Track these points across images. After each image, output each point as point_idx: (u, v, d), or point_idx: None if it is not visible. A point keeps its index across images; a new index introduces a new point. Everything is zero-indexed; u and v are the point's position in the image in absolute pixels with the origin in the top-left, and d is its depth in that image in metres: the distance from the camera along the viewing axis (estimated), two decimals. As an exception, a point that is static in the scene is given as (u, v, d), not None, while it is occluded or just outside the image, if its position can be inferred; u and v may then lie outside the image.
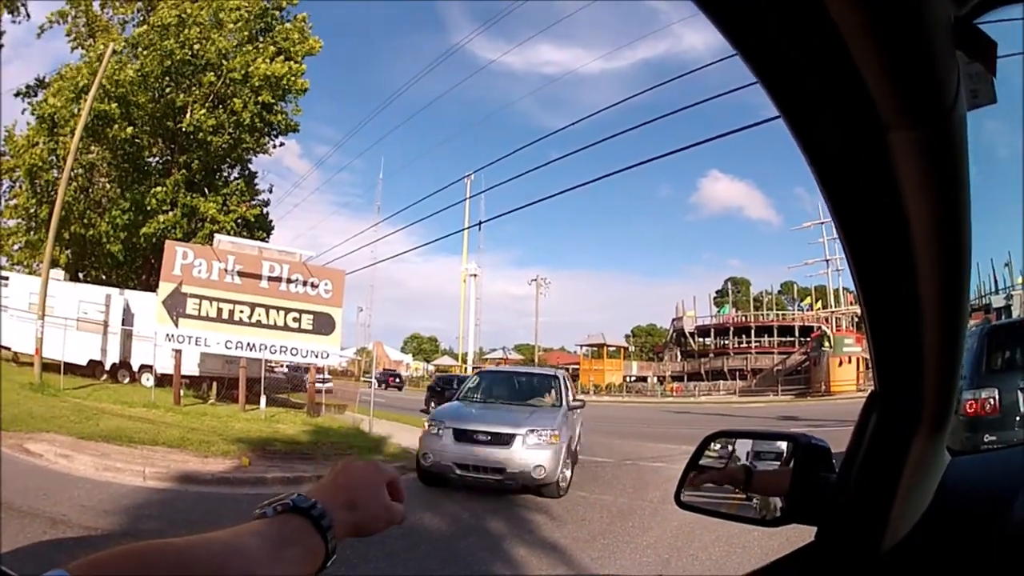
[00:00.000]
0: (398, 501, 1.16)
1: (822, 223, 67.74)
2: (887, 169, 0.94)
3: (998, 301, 27.21)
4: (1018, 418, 8.76)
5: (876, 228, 1.04)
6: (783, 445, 1.77)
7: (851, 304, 67.01)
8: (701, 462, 1.98)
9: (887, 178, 0.95)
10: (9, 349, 27.03)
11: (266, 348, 23.27)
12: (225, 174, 37.05)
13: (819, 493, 1.44)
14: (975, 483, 1.49)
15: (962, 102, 0.90)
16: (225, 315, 22.65)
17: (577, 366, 77.66)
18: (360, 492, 1.09)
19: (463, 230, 65.02)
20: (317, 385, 26.11)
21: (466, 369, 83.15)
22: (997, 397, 8.83)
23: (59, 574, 0.65)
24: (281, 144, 38.73)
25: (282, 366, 39.35)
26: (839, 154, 0.98)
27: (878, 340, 1.23)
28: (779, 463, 1.79)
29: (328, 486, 1.08)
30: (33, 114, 32.65)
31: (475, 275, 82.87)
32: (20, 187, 33.99)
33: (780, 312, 78.94)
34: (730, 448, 1.98)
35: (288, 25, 35.79)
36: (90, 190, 33.89)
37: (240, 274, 23.00)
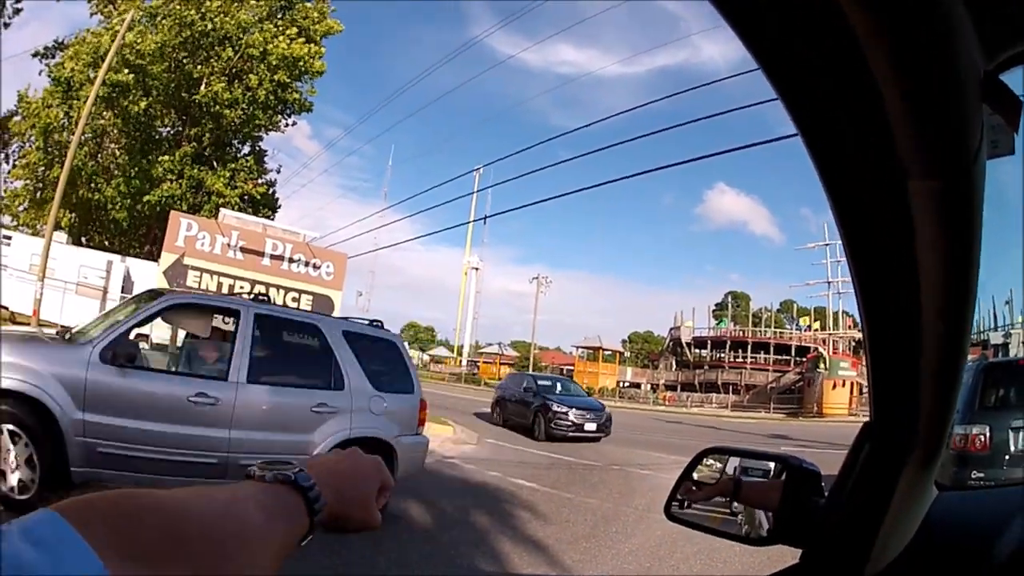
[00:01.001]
0: (380, 508, 1.14)
1: (826, 245, 67.66)
2: (905, 215, 0.95)
3: (996, 338, 27.20)
4: (1007, 457, 8.77)
5: (888, 268, 1.06)
6: (774, 466, 1.78)
7: (849, 328, 67.04)
8: (693, 476, 1.99)
9: (904, 223, 0.96)
10: (7, 308, 27.04)
11: (264, 325, 23.09)
12: (235, 149, 36.94)
13: (807, 516, 1.46)
14: (960, 519, 1.51)
15: (983, 154, 0.91)
16: (225, 290, 22.55)
17: (572, 367, 77.75)
18: (355, 488, 1.07)
19: (468, 223, 65.16)
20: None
21: (460, 362, 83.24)
22: (988, 434, 8.84)
23: (49, 515, 0.63)
24: (294, 123, 38.66)
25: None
26: (860, 195, 0.99)
27: (878, 372, 1.23)
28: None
29: (327, 469, 1.05)
30: (50, 76, 32.57)
31: (477, 268, 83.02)
32: (31, 147, 33.93)
33: (778, 330, 79.02)
34: (722, 464, 1.99)
35: (309, 4, 35.76)
36: (99, 155, 33.79)
37: (243, 250, 22.97)
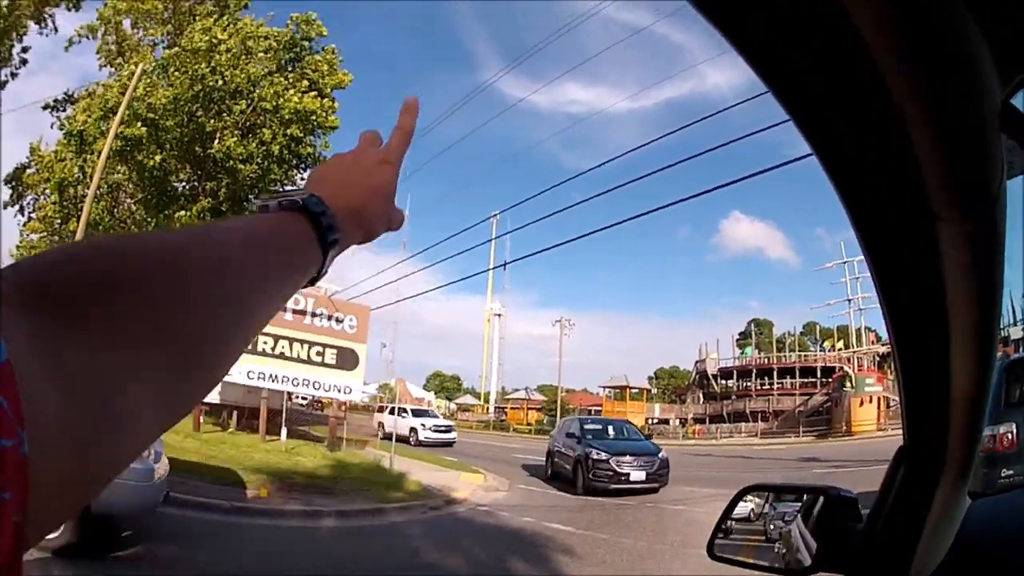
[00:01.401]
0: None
1: (844, 263, 67.36)
2: (935, 255, 0.95)
3: (1016, 333, 26.83)
4: None
5: (917, 304, 1.07)
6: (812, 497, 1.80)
7: (873, 343, 66.44)
8: (734, 515, 2.00)
9: (934, 263, 0.96)
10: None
11: (288, 380, 23.28)
12: (252, 204, 36.90)
13: (847, 542, 1.47)
14: (994, 525, 1.53)
15: (1005, 183, 0.91)
16: (249, 345, 22.72)
17: (600, 408, 77.27)
18: (372, 195, 0.95)
19: (488, 270, 65.30)
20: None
21: (488, 409, 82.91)
22: (1015, 431, 8.75)
23: None
24: (310, 176, 38.95)
25: (305, 398, 40.43)
26: (891, 239, 0.99)
27: (910, 399, 1.25)
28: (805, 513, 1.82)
29: (339, 179, 0.94)
30: (61, 130, 33.02)
31: (499, 315, 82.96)
32: (46, 200, 34.32)
33: (802, 353, 78.34)
34: (761, 501, 2.00)
35: (318, 57, 36.13)
36: (116, 210, 34.10)
37: (265, 305, 23.10)
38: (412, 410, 43.78)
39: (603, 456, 19.42)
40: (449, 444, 38.46)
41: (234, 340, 0.70)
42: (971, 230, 0.93)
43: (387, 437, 34.86)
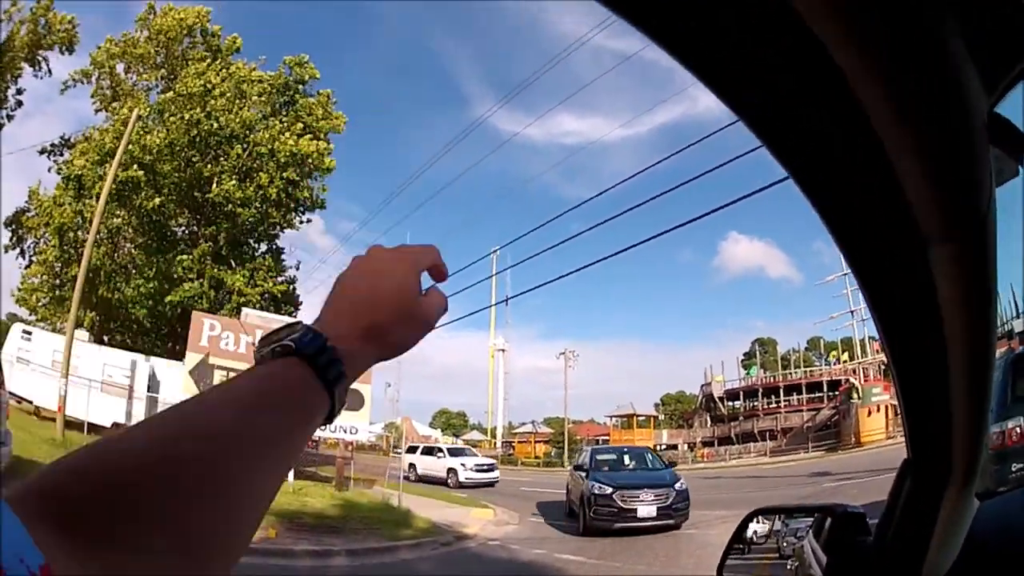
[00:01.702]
0: (439, 280, 0.97)
1: (845, 274, 66.94)
2: (928, 277, 0.95)
3: (1019, 326, 26.82)
4: None
5: (912, 323, 1.07)
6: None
7: (877, 352, 66.29)
8: (749, 535, 2.01)
9: (927, 283, 0.96)
10: (31, 402, 27.19)
11: (294, 422, 23.16)
12: (252, 248, 37.25)
13: (857, 556, 1.48)
14: (1003, 525, 1.54)
15: (994, 196, 0.89)
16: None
17: (607, 437, 77.00)
18: (385, 314, 0.86)
19: (491, 306, 65.31)
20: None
21: (495, 444, 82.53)
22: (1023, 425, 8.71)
23: None
24: (308, 220, 39.07)
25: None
26: (883, 265, 0.99)
27: (911, 413, 1.26)
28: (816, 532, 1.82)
29: (341, 309, 0.87)
30: (59, 173, 33.29)
31: (503, 350, 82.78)
32: (46, 244, 34.44)
33: (807, 369, 78.11)
34: (770, 524, 2.01)
35: (312, 100, 36.49)
36: (116, 254, 34.20)
37: (268, 348, 23.15)
38: (449, 449, 41.01)
39: (606, 491, 16.95)
40: (491, 484, 35.13)
41: (247, 517, 0.70)
42: (963, 247, 0.92)
43: (420, 480, 35.77)
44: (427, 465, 38.18)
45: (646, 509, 16.48)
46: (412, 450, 41.23)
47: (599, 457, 20.76)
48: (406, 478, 31.96)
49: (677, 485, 17.42)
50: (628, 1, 0.71)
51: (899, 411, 1.28)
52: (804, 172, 0.89)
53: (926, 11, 0.66)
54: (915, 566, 1.34)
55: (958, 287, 0.96)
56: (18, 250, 35.98)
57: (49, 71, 34.98)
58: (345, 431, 24.37)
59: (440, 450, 40.34)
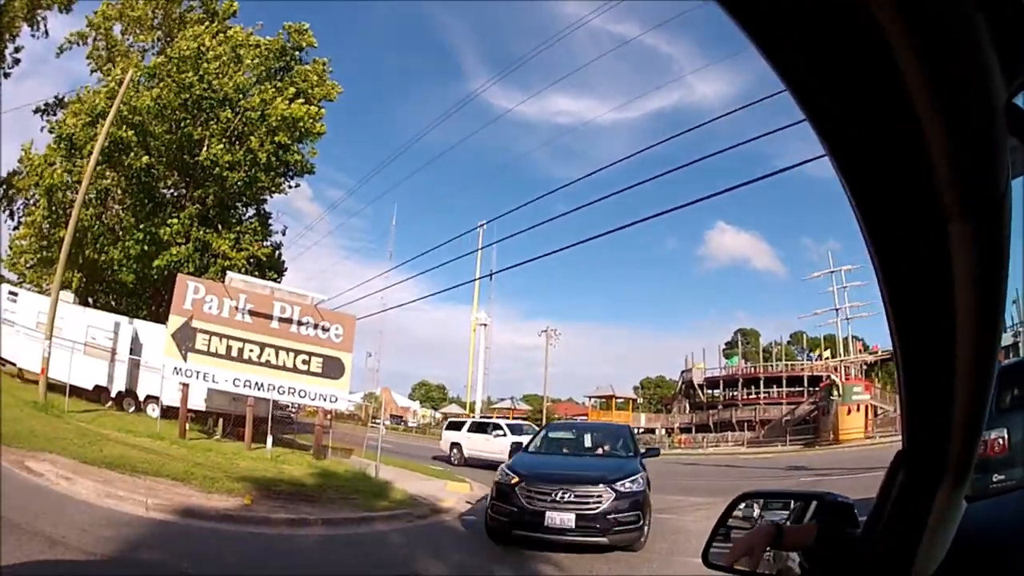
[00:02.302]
0: None
1: (831, 272, 67.79)
2: (944, 257, 0.95)
3: (1006, 339, 27.07)
4: None
5: (924, 306, 1.07)
6: (795, 504, 1.80)
7: (860, 352, 66.78)
8: (729, 522, 1.99)
9: (943, 264, 0.96)
10: (15, 365, 27.35)
11: (274, 388, 23.25)
12: (240, 212, 37.22)
13: (845, 547, 1.46)
14: (990, 527, 1.55)
15: (1010, 185, 0.90)
16: (234, 353, 22.70)
17: (585, 417, 77.46)
18: None
19: (474, 280, 65.29)
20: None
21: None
22: (1006, 436, 8.83)
23: None
24: (296, 185, 38.94)
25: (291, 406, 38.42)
26: (901, 240, 0.99)
27: (912, 403, 1.25)
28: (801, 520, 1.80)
29: None
30: (51, 133, 33.15)
31: (485, 325, 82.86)
32: (35, 205, 34.45)
33: (789, 362, 78.56)
34: (757, 508, 1.99)
35: (308, 67, 36.29)
36: (104, 216, 34.14)
37: (251, 313, 23.11)
38: (509, 425, 33.31)
39: (510, 480, 11.88)
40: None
41: None
42: (979, 230, 0.92)
43: (467, 463, 30.97)
44: (478, 446, 31.75)
45: (560, 516, 11.16)
46: (455, 426, 35.51)
47: (552, 435, 16.00)
48: (447, 461, 31.64)
49: (627, 484, 11.71)
50: None
51: (899, 397, 1.26)
52: (835, 137, 0.89)
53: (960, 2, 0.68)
54: (905, 562, 1.33)
55: (971, 266, 0.96)
56: (7, 212, 35.93)
57: (46, 32, 34.83)
58: (324, 399, 24.39)
59: (497, 426, 32.90)
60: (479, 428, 33.60)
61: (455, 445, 33.16)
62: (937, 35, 0.70)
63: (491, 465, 24.17)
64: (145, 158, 31.23)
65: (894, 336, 1.13)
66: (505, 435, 30.42)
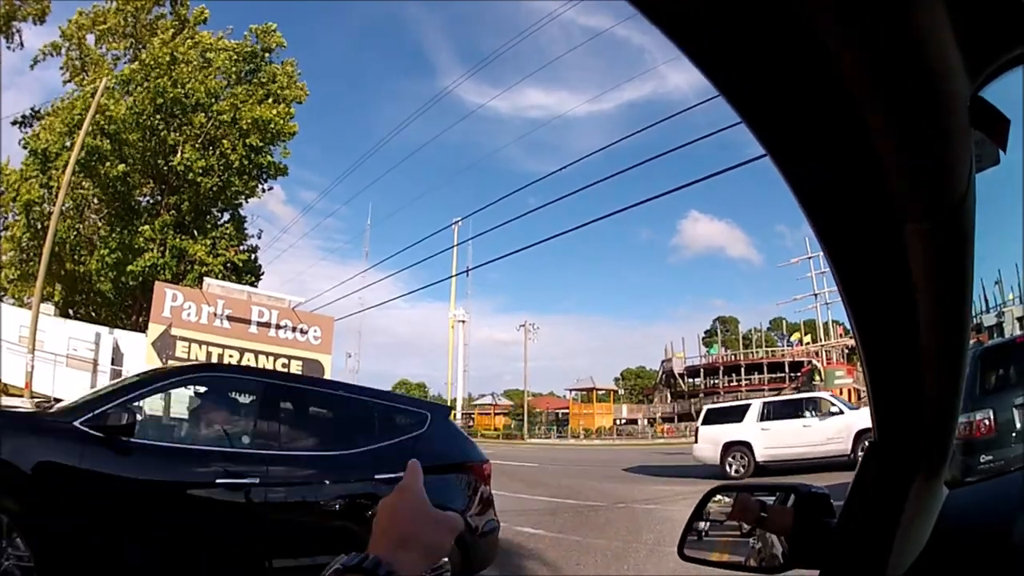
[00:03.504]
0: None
1: (809, 258, 68.06)
2: (902, 256, 0.94)
3: (989, 320, 27.12)
4: (1014, 435, 8.76)
5: (883, 306, 1.06)
6: (776, 495, 1.81)
7: (841, 336, 67.04)
8: (710, 514, 2.00)
9: (901, 264, 0.95)
10: None
11: (255, 393, 23.13)
12: (215, 217, 37.02)
13: (821, 538, 1.48)
14: (971, 515, 1.54)
15: (974, 178, 0.89)
16: (214, 359, 22.63)
17: (567, 411, 77.53)
18: (406, 524, 1.04)
19: (451, 277, 65.21)
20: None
21: (455, 415, 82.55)
22: (992, 417, 8.85)
23: None
24: (270, 188, 38.78)
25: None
26: (856, 242, 0.98)
27: (879, 394, 1.24)
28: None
29: (376, 535, 1.04)
30: (26, 148, 32.97)
31: (463, 321, 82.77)
32: (14, 220, 34.24)
33: (770, 349, 78.86)
34: (731, 500, 2.00)
35: (276, 67, 36.11)
36: (81, 226, 33.99)
37: (229, 318, 23.11)
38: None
39: None
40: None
41: None
42: (940, 229, 0.92)
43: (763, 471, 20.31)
44: (787, 440, 20.50)
45: None
46: (725, 416, 23.21)
47: None
48: (715, 476, 19.95)
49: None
50: None
51: (867, 392, 1.25)
52: (779, 140, 0.88)
53: None
54: (882, 552, 1.33)
55: (933, 269, 0.96)
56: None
57: (22, 43, 34.58)
58: (305, 402, 24.32)
59: (816, 405, 21.57)
60: (784, 411, 21.63)
61: (736, 448, 21.49)
62: (887, 27, 0.67)
63: (806, 468, 19.06)
64: (121, 166, 31.06)
65: (855, 331, 1.12)
66: (841, 413, 20.24)
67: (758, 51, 0.76)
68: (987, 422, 8.86)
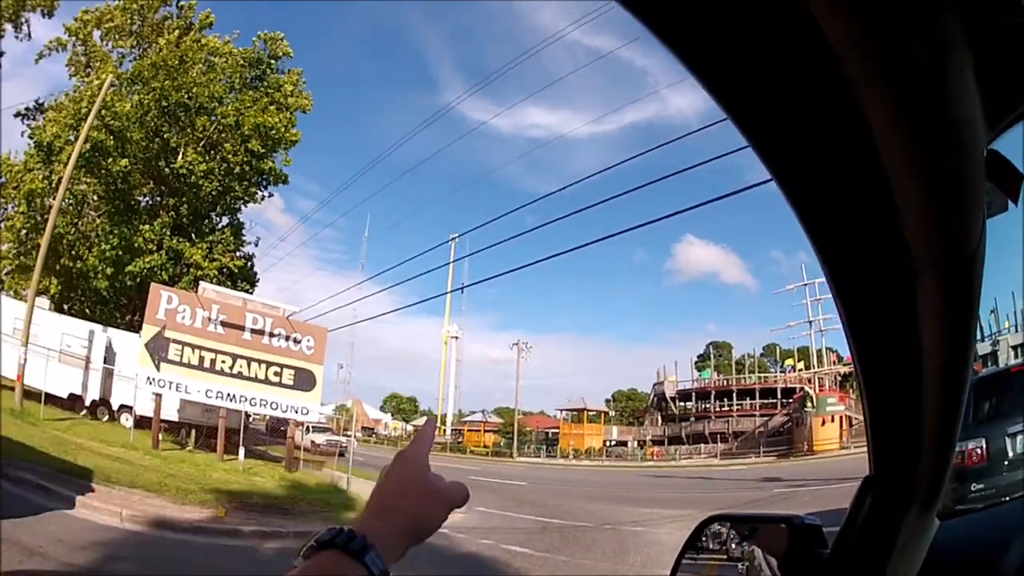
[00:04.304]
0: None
1: (804, 285, 67.72)
2: (912, 307, 0.94)
3: (984, 348, 27.10)
4: (1006, 463, 8.75)
5: (889, 349, 1.07)
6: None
7: (834, 363, 66.86)
8: (699, 544, 2.01)
9: (910, 314, 0.96)
10: None
11: (246, 400, 23.24)
12: (213, 221, 36.95)
13: (814, 569, 1.49)
14: (963, 545, 1.56)
15: (985, 229, 0.90)
16: (207, 363, 22.60)
17: (557, 430, 77.29)
18: (393, 495, 1.02)
19: (446, 293, 65.17)
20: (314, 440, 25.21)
21: (444, 432, 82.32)
22: (984, 446, 8.82)
23: None
24: (270, 195, 38.75)
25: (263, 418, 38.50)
26: (868, 292, 0.98)
27: (877, 432, 1.26)
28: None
29: (371, 505, 1.02)
30: (31, 139, 33.01)
31: (456, 337, 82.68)
32: (14, 210, 34.23)
33: (762, 375, 78.69)
34: (725, 532, 2.01)
35: (282, 77, 36.18)
36: (80, 223, 33.97)
37: (223, 324, 23.04)
38: None
39: None
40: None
41: None
42: (951, 280, 0.92)
43: None
44: None
45: None
46: None
47: None
48: None
49: None
50: None
51: (865, 425, 1.26)
52: (798, 186, 0.88)
53: (944, 39, 0.66)
54: None
55: (941, 315, 0.96)
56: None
57: (29, 35, 34.58)
58: (296, 411, 24.34)
59: None
60: None
61: None
62: (913, 80, 0.67)
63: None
64: (123, 161, 31.05)
65: (857, 367, 1.13)
66: None
67: (783, 88, 0.75)
68: (979, 451, 8.85)
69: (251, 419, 35.37)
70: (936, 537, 1.44)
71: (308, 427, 36.11)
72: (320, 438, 37.32)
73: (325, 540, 0.93)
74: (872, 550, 1.35)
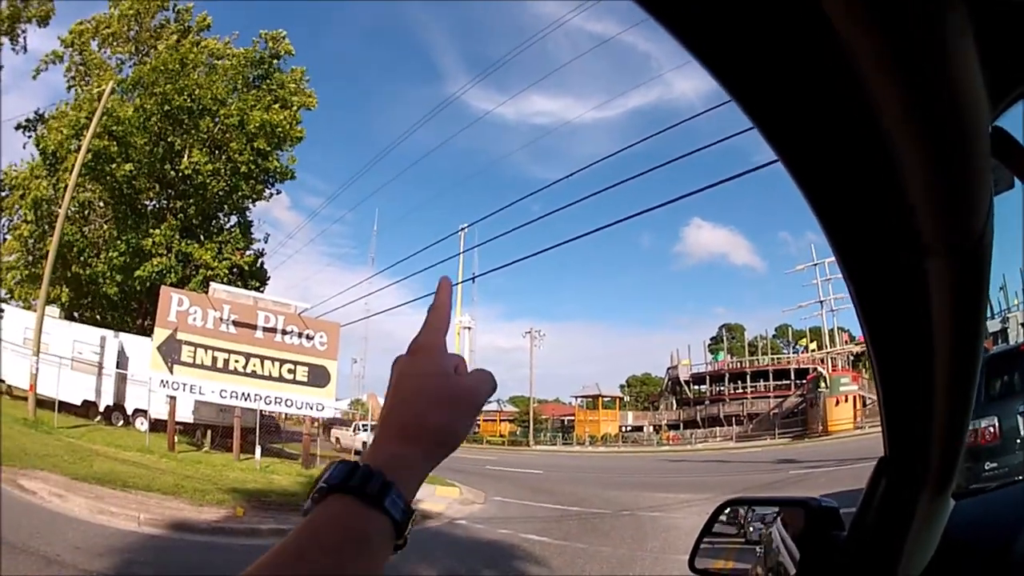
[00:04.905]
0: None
1: (815, 265, 67.60)
2: (923, 287, 0.93)
3: (994, 326, 26.98)
4: (1019, 441, 8.74)
5: (900, 330, 1.06)
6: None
7: (846, 343, 66.73)
8: (715, 528, 2.00)
9: (922, 294, 0.94)
10: (3, 382, 26.83)
11: (261, 399, 23.30)
12: (221, 221, 37.06)
13: (831, 551, 1.48)
14: (977, 525, 1.55)
15: (993, 210, 0.88)
16: (220, 364, 22.66)
17: (572, 417, 77.34)
18: (409, 405, 0.85)
19: (457, 284, 65.16)
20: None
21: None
22: (997, 424, 8.84)
23: None
24: (278, 192, 38.84)
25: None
26: (878, 274, 0.97)
27: (891, 414, 1.25)
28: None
29: (380, 421, 0.86)
30: (37, 146, 33.25)
31: (469, 328, 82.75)
32: (21, 219, 34.54)
33: (775, 356, 78.61)
34: (742, 514, 2.01)
35: (285, 75, 36.19)
36: (87, 230, 34.13)
37: (235, 323, 23.09)
38: None
39: None
40: None
41: None
42: (961, 259, 0.91)
43: None
44: None
45: None
46: None
47: None
48: None
49: None
50: None
51: (879, 407, 1.26)
52: (807, 170, 0.87)
53: (945, 15, 0.64)
54: (890, 563, 1.34)
55: (952, 296, 0.95)
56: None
57: (25, 47, 34.67)
58: (311, 408, 24.43)
59: None
60: None
61: None
62: (918, 58, 0.66)
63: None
64: (128, 166, 31.12)
65: (870, 350, 1.12)
66: None
67: (788, 71, 0.74)
68: (992, 429, 8.85)
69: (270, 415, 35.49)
70: (952, 517, 1.44)
71: (355, 427, 37.96)
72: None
73: (337, 484, 0.76)
74: (888, 531, 1.35)
